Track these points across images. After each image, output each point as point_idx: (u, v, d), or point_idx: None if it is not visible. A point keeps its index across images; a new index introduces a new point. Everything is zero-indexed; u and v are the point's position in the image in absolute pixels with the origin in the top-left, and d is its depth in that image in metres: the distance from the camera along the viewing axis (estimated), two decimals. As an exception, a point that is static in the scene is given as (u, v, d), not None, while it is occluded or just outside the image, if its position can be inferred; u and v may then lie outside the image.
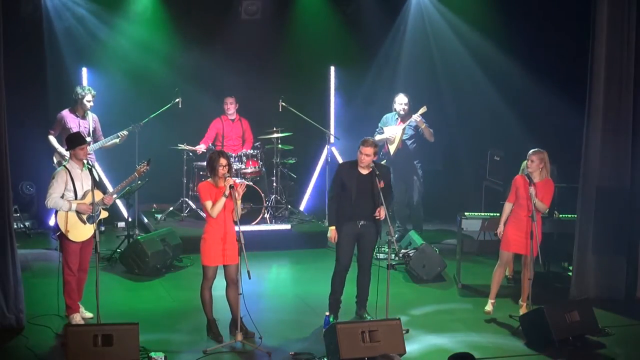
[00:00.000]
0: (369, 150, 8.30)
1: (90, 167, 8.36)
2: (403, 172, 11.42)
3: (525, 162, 8.88)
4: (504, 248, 8.84)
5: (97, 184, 8.32)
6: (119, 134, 10.97)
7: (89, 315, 8.43)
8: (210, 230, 7.98)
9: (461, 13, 12.98)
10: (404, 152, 11.50)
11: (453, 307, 9.27)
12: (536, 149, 8.79)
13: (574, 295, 9.39)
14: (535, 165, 8.70)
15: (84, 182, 8.25)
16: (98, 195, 8.25)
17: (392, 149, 11.45)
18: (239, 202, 7.92)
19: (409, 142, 11.52)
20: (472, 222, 9.85)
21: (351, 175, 8.41)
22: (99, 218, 8.37)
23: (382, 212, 8.27)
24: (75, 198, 8.20)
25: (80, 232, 8.22)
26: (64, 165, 8.30)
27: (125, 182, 8.79)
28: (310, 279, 10.25)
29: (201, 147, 11.81)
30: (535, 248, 8.49)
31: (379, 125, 11.60)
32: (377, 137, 11.17)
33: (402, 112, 11.44)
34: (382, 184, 8.34)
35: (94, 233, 8.00)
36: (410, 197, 11.72)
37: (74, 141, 8.29)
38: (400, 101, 11.45)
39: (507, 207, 8.84)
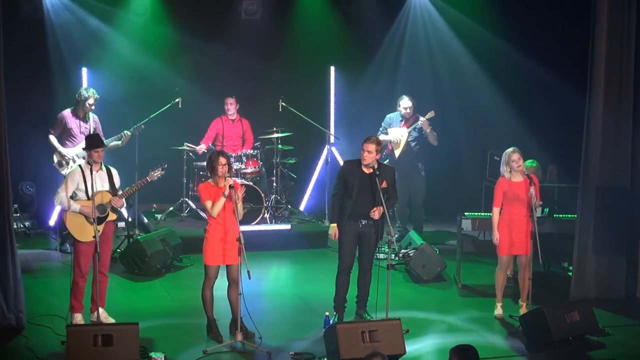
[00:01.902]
0: (371, 147, 8.29)
1: (107, 169, 8.35)
2: (406, 173, 11.40)
3: (524, 162, 8.86)
4: (505, 252, 8.79)
5: (111, 186, 8.32)
6: (122, 134, 10.88)
7: (111, 320, 8.35)
8: (211, 230, 8.00)
9: (461, 12, 12.99)
10: (408, 153, 11.50)
11: (453, 307, 9.26)
12: (512, 148, 8.76)
13: (574, 295, 9.39)
14: (522, 162, 8.71)
15: (97, 183, 8.21)
16: (107, 196, 8.25)
17: (397, 152, 11.45)
18: (239, 203, 7.94)
19: (412, 144, 11.52)
20: (471, 222, 9.85)
21: (354, 174, 8.41)
22: (107, 220, 8.34)
23: (377, 212, 8.27)
24: (88, 198, 8.20)
25: (88, 231, 8.18)
26: (79, 165, 8.35)
27: (136, 185, 8.74)
28: (310, 279, 10.26)
29: (202, 147, 11.80)
30: (531, 246, 8.51)
31: (382, 125, 11.59)
32: (381, 138, 11.15)
33: (406, 116, 11.46)
34: (384, 184, 8.34)
35: (94, 233, 7.99)
36: (412, 198, 11.71)
37: (91, 143, 8.29)
38: (405, 105, 11.45)
39: (496, 212, 8.78)
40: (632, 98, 9.37)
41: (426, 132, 11.37)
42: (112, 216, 8.42)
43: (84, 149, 8.41)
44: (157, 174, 8.79)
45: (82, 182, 8.20)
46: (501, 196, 8.74)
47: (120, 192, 8.41)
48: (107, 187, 8.27)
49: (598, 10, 9.24)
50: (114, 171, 8.45)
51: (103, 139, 10.91)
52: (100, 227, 8.13)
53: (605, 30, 9.23)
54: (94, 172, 8.19)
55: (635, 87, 9.37)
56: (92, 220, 8.11)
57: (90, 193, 8.17)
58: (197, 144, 11.85)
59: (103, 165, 8.36)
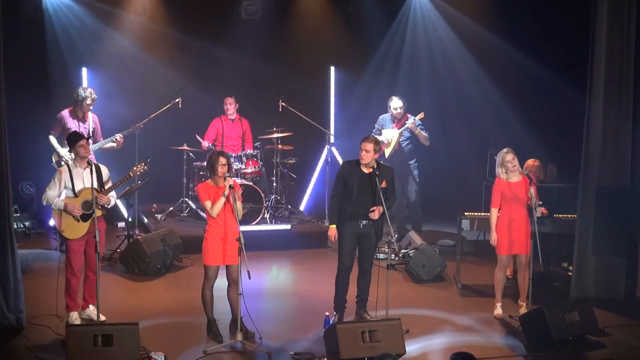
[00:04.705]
0: (369, 146, 8.29)
1: (95, 166, 8.32)
2: (399, 173, 11.38)
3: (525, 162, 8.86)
4: (504, 252, 8.78)
5: (98, 183, 8.30)
6: (114, 137, 10.89)
7: (102, 318, 8.33)
8: (211, 230, 7.99)
9: (461, 12, 12.99)
10: (399, 153, 11.53)
11: (453, 307, 9.26)
12: (506, 149, 8.76)
13: (574, 295, 9.39)
14: (517, 162, 8.71)
15: (85, 181, 8.23)
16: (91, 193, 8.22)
17: (387, 152, 11.47)
18: (239, 203, 7.93)
19: (404, 144, 11.54)
20: (472, 222, 9.85)
21: (354, 173, 8.40)
22: (93, 216, 8.31)
23: (376, 212, 8.26)
24: (75, 196, 8.19)
25: (75, 229, 8.19)
26: (66, 163, 8.28)
27: (119, 181, 8.71)
28: (310, 279, 10.25)
29: (205, 143, 11.75)
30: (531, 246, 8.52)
31: (376, 127, 11.62)
32: (376, 139, 11.20)
33: (397, 117, 11.47)
34: (384, 184, 8.34)
35: (95, 233, 7.97)
36: (407, 197, 11.72)
37: (73, 139, 8.30)
38: (395, 105, 11.49)
39: (494, 213, 8.76)
40: (632, 98, 9.36)
41: (416, 133, 11.37)
42: (98, 212, 8.40)
43: (69, 150, 8.38)
44: (139, 169, 8.81)
45: (69, 181, 8.19)
46: (499, 197, 8.74)
47: (104, 189, 8.37)
48: (95, 184, 8.19)
49: (598, 10, 9.24)
50: (103, 168, 8.40)
51: (101, 138, 10.97)
52: (86, 225, 8.13)
53: (605, 30, 9.23)
54: (81, 170, 8.21)
55: (635, 87, 9.36)
56: (77, 217, 8.16)
57: (77, 191, 8.18)
58: (197, 144, 11.84)
59: (92, 164, 8.28)
